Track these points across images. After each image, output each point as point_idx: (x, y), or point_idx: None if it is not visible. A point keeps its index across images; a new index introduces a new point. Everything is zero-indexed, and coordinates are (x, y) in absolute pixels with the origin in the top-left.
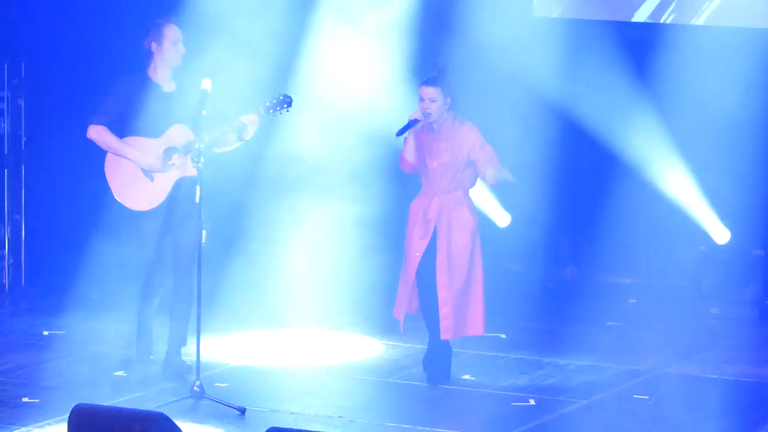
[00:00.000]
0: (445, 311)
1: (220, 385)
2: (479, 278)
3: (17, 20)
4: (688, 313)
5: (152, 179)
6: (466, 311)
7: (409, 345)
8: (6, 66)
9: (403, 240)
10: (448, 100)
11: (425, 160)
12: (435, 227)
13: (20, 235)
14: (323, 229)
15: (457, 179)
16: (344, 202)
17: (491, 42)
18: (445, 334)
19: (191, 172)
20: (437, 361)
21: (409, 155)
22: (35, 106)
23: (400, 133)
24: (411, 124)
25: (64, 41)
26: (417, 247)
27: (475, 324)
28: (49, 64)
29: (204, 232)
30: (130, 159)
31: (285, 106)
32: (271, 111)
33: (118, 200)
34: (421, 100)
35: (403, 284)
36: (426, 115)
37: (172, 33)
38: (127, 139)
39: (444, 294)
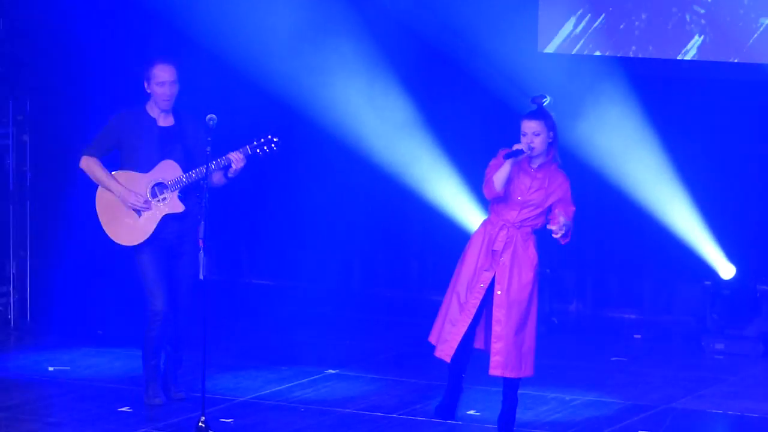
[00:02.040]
0: (497, 346)
1: (225, 420)
2: (534, 318)
3: (22, 57)
4: (693, 348)
5: (139, 214)
6: (520, 351)
7: (413, 381)
8: (11, 102)
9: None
10: (551, 134)
11: (508, 190)
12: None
13: (25, 271)
14: (325, 263)
15: (532, 218)
16: (347, 235)
17: (495, 77)
18: (494, 370)
19: (178, 208)
20: (456, 400)
21: (499, 184)
22: (40, 142)
23: (508, 156)
24: (517, 153)
25: (68, 78)
26: (481, 279)
27: (528, 365)
28: (54, 101)
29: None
30: (114, 194)
31: (272, 145)
32: (258, 150)
33: (107, 234)
34: (524, 134)
35: (462, 316)
36: (531, 149)
37: (160, 73)
38: (117, 172)
39: (499, 329)
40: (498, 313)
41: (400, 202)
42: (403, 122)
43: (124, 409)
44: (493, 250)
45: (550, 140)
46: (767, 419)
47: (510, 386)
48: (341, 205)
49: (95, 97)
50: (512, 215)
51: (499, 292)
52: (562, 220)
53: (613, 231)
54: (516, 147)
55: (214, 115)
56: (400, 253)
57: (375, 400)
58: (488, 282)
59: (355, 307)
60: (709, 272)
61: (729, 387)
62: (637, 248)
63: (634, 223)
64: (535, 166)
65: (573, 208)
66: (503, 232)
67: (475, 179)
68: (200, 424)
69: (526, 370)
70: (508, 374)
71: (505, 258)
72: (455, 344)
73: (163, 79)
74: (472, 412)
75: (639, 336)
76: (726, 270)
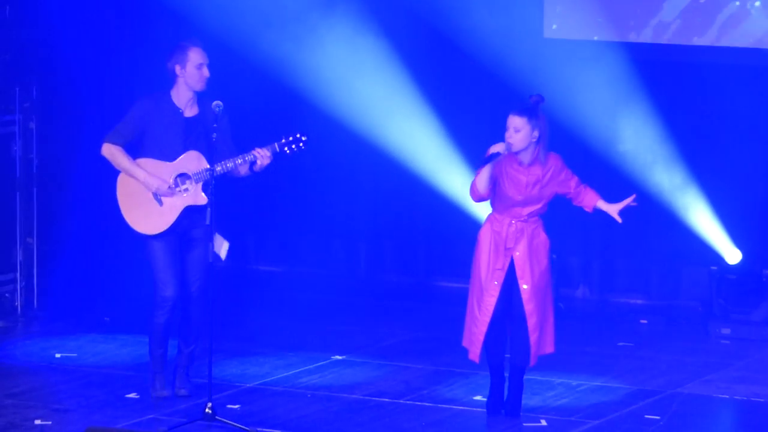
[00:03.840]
0: (535, 337)
1: (231, 407)
2: (551, 297)
3: (28, 43)
4: (699, 333)
5: (161, 203)
6: (544, 335)
7: (420, 366)
8: (17, 89)
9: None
10: (536, 133)
11: (507, 191)
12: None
13: (32, 257)
14: (332, 249)
15: (539, 209)
16: (354, 221)
17: (501, 63)
18: (534, 359)
19: (201, 200)
20: (503, 392)
21: (482, 186)
22: (46, 129)
23: (486, 162)
24: (492, 158)
25: (74, 64)
26: (495, 277)
27: (549, 342)
28: (60, 87)
29: (226, 244)
30: (139, 180)
31: (300, 144)
32: (286, 149)
33: (127, 222)
34: (507, 128)
35: (481, 316)
36: (509, 146)
37: (196, 56)
38: (140, 160)
39: (534, 320)
40: (529, 306)
41: (407, 188)
42: (410, 108)
43: (131, 395)
44: (505, 248)
45: (534, 139)
46: None
47: (518, 371)
48: (348, 192)
49: (102, 84)
50: (518, 212)
51: (525, 287)
52: (615, 208)
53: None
54: (492, 150)
55: (220, 102)
56: (407, 239)
57: (381, 386)
58: (502, 279)
59: (361, 293)
60: (716, 257)
61: (735, 372)
62: (643, 233)
63: (640, 208)
64: (525, 162)
65: (576, 178)
66: (512, 228)
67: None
68: (207, 410)
69: (547, 347)
70: (542, 353)
71: (520, 251)
72: (480, 344)
73: (201, 61)
74: (478, 397)
75: (645, 321)
76: (732, 255)
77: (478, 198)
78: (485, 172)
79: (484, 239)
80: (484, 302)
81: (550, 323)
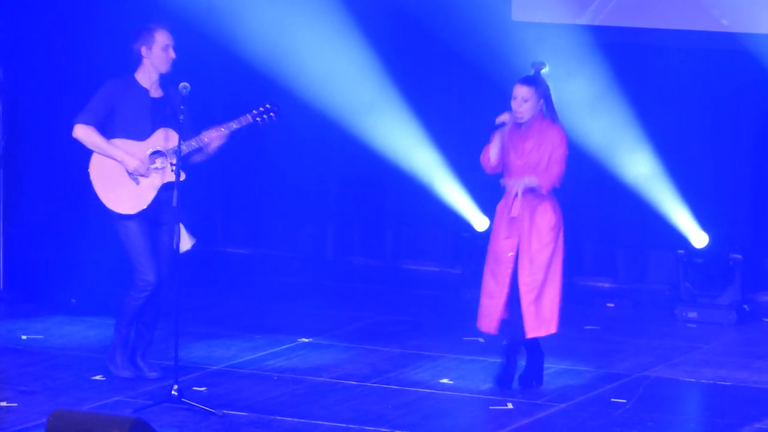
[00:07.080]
0: (531, 310)
1: (198, 389)
2: (557, 277)
3: None
4: (666, 317)
5: (137, 183)
6: (541, 311)
7: (386, 349)
8: None
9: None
10: (541, 101)
11: (510, 159)
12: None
13: None
14: (300, 231)
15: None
16: (322, 204)
17: (469, 46)
18: (531, 332)
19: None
20: (514, 371)
21: (493, 156)
22: (13, 109)
23: (491, 133)
24: (497, 127)
25: (42, 44)
26: (506, 248)
27: (554, 322)
28: (28, 67)
29: (189, 243)
30: (116, 160)
31: (271, 114)
32: (258, 119)
33: (103, 203)
34: (513, 98)
35: (496, 289)
36: (514, 116)
37: (163, 38)
38: (113, 141)
39: (531, 296)
40: (527, 278)
41: (375, 170)
42: (378, 91)
43: (97, 377)
44: (511, 218)
45: (540, 107)
46: (739, 387)
47: (536, 343)
48: (316, 174)
49: (70, 64)
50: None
51: (522, 259)
52: (520, 183)
53: (586, 199)
54: (498, 120)
55: (187, 83)
56: (374, 221)
57: (348, 368)
58: (515, 248)
59: (328, 276)
60: (682, 241)
61: (702, 355)
62: (610, 217)
63: (607, 191)
64: (524, 128)
65: (555, 171)
66: (518, 198)
67: (449, 147)
68: (173, 392)
69: (552, 327)
70: (542, 333)
71: (524, 224)
72: (498, 316)
73: (167, 42)
74: (445, 380)
75: (612, 305)
76: (699, 238)
77: (491, 169)
78: (495, 139)
79: (498, 212)
80: (501, 274)
81: (553, 303)
